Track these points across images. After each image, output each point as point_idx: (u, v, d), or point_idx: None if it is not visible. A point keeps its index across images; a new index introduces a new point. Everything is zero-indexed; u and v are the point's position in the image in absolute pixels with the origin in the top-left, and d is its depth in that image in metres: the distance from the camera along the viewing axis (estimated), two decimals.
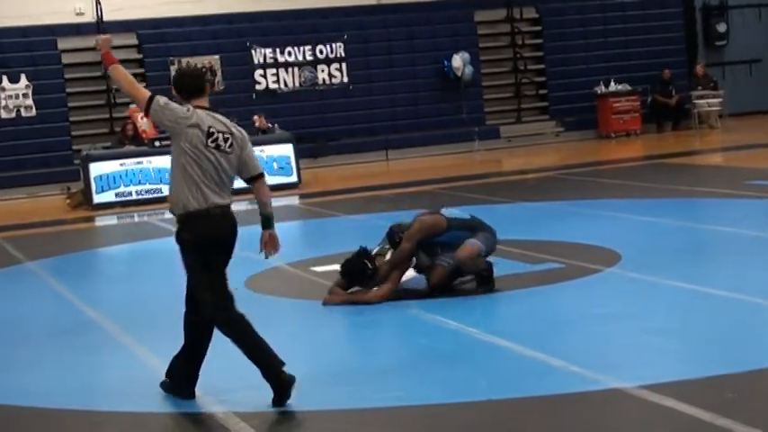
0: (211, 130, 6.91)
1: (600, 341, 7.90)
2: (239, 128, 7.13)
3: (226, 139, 6.95)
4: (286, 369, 6.83)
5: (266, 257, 7.41)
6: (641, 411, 6.32)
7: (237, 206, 19.15)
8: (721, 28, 28.82)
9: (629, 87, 26.35)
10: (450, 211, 9.79)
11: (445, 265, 9.51)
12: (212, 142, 6.90)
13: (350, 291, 9.69)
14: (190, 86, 7.07)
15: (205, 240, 6.91)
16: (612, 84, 26.40)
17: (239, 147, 7.02)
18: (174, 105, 6.97)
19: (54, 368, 8.25)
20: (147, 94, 7.01)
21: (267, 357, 6.90)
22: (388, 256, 9.69)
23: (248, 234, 16.30)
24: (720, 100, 26.61)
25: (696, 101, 26.63)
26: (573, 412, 6.42)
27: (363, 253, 9.65)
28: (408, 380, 7.29)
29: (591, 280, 10.03)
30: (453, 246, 9.54)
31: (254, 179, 7.12)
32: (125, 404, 7.22)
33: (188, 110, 6.94)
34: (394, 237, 9.71)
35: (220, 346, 8.57)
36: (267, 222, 7.22)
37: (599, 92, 26.32)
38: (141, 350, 8.57)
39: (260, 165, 7.22)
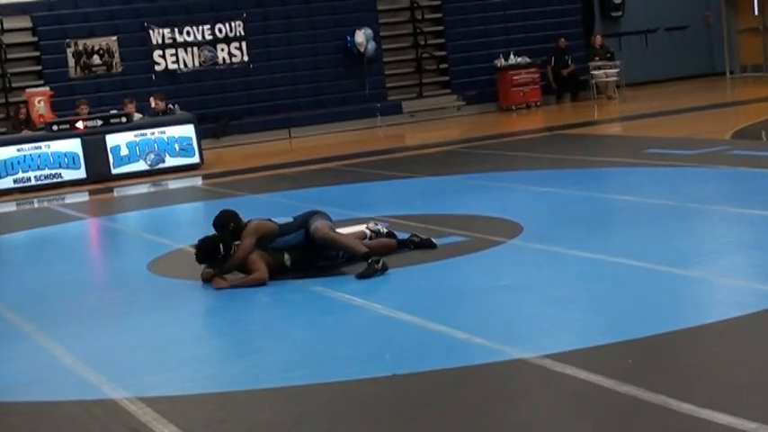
0: None
1: (503, 313, 7.96)
2: None
3: None
4: None
5: None
6: (545, 381, 6.39)
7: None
8: None
9: (528, 60, 26.56)
10: (279, 219, 10.01)
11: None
12: None
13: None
14: None
15: None
16: (512, 56, 26.58)
17: None
18: None
19: None
20: None
21: None
22: None
23: (152, 217, 16.02)
24: (617, 70, 26.94)
25: (594, 72, 26.92)
26: (477, 383, 6.46)
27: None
28: (313, 357, 7.29)
29: (493, 252, 10.10)
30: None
31: None
32: (28, 394, 7.12)
33: None
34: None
35: (127, 330, 8.51)
36: None
37: (499, 65, 26.49)
38: (44, 339, 8.44)
39: None
